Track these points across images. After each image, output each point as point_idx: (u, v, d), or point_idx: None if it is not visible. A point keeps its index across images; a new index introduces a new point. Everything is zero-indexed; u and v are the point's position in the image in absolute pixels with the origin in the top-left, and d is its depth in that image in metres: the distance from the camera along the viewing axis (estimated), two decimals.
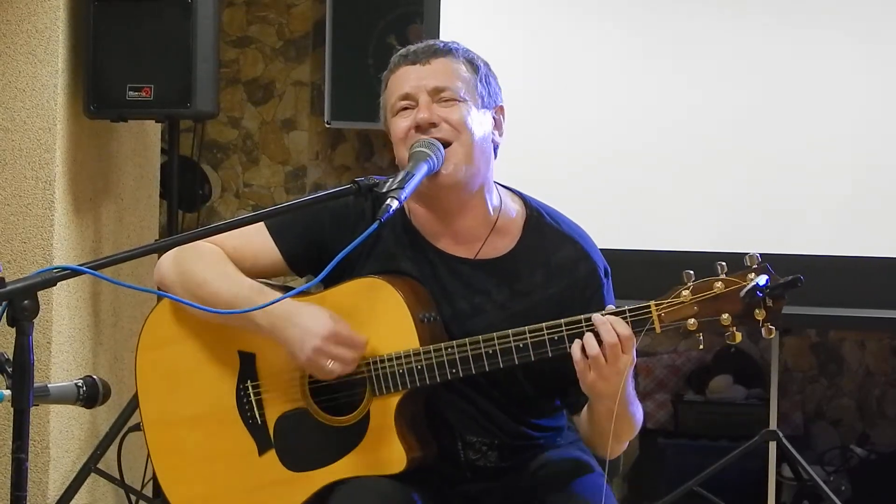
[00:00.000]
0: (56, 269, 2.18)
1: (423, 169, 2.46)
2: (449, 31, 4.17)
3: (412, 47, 2.64)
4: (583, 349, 2.38)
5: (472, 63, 2.62)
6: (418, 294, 2.56)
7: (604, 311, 2.41)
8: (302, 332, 2.49)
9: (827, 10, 4.08)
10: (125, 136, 4.36)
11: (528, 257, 2.61)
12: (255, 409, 2.62)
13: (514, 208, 2.66)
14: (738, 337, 2.37)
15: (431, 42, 2.64)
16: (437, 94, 2.56)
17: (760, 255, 2.40)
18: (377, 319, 2.53)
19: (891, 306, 4.00)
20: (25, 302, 2.10)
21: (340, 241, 2.50)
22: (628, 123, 4.17)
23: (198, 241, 2.60)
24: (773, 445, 4.11)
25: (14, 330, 2.12)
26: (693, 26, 4.14)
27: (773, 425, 4.11)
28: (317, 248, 2.62)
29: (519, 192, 2.71)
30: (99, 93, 4.03)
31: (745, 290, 2.34)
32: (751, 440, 4.10)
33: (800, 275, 2.33)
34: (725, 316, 2.36)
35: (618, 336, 2.36)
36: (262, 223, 2.63)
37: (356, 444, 2.54)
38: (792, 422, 5.27)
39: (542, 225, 2.64)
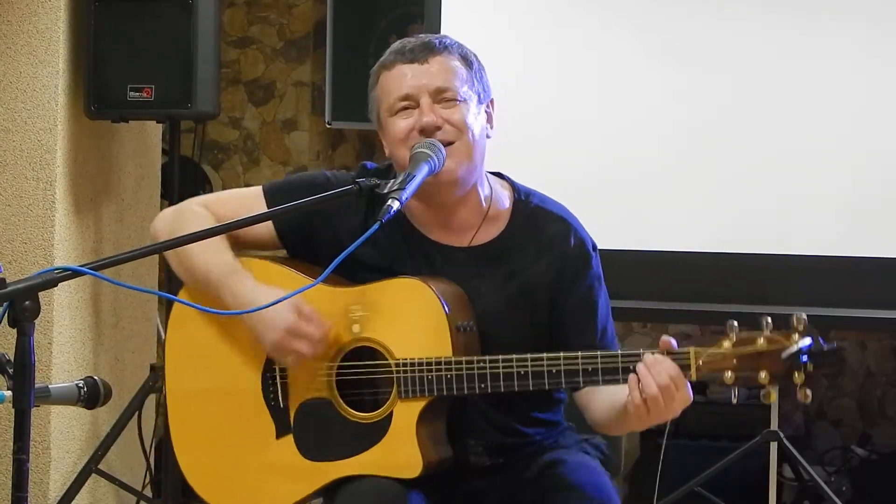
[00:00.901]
0: (57, 269, 2.17)
1: (425, 170, 2.47)
2: (450, 30, 4.16)
3: (407, 44, 2.62)
4: (639, 387, 2.37)
5: (467, 59, 2.63)
6: (459, 301, 2.56)
7: (652, 351, 2.40)
8: (264, 326, 2.54)
9: (827, 9, 4.07)
10: (126, 136, 4.36)
11: (517, 238, 2.63)
12: (279, 392, 2.62)
13: (505, 195, 2.68)
14: (774, 396, 2.36)
15: (425, 38, 2.63)
16: (438, 94, 2.56)
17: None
18: (414, 322, 2.53)
19: (891, 307, 4.00)
20: (27, 303, 2.10)
21: (329, 222, 2.62)
22: (629, 123, 4.16)
23: (195, 207, 2.68)
24: (773, 446, 4.10)
25: (15, 331, 2.12)
26: (693, 27, 4.14)
27: (773, 426, 4.10)
28: (308, 227, 2.66)
29: (507, 176, 2.72)
30: (100, 93, 4.03)
31: (789, 352, 2.31)
32: (752, 440, 4.09)
33: (838, 344, 2.36)
34: (763, 374, 2.34)
35: (669, 378, 2.36)
36: (260, 194, 2.67)
37: (374, 443, 2.54)
38: (793, 422, 5.27)
39: (529, 207, 2.67)
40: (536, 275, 2.61)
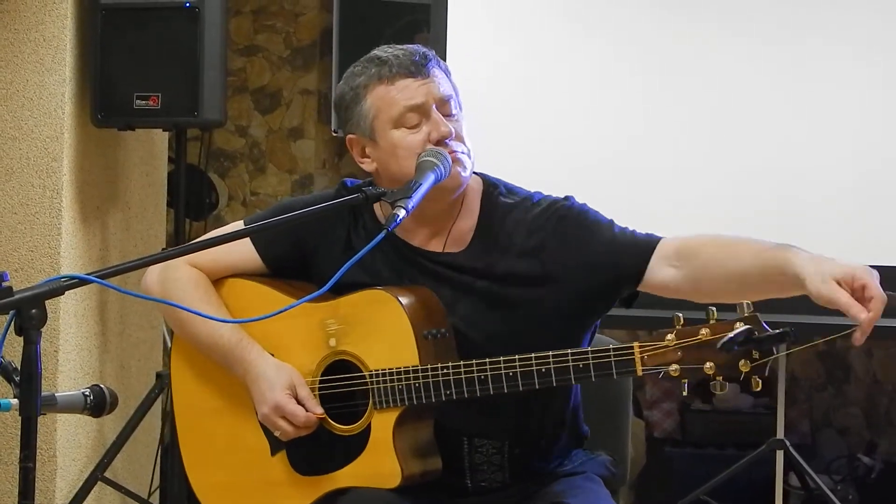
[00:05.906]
0: (64, 278, 2.17)
1: (431, 178, 2.46)
2: (455, 39, 4.18)
3: (398, 56, 2.57)
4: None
5: (448, 72, 2.62)
6: (428, 308, 2.55)
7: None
8: (258, 396, 2.60)
9: (832, 5, 4.08)
10: (132, 144, 4.37)
11: (489, 228, 2.60)
12: None
13: (475, 188, 2.65)
14: (725, 387, 2.27)
15: (411, 51, 2.58)
16: (444, 105, 2.56)
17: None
18: (380, 333, 2.54)
19: None
20: (33, 311, 2.11)
21: (317, 244, 2.63)
22: (629, 125, 4.17)
23: (180, 264, 2.66)
24: (780, 454, 4.10)
25: (22, 339, 2.12)
26: (693, 27, 4.14)
27: (780, 434, 4.10)
28: (295, 252, 2.66)
29: (479, 172, 2.68)
30: (106, 101, 4.04)
31: (722, 342, 2.23)
32: (758, 449, 4.08)
33: (790, 328, 2.23)
34: (709, 365, 2.27)
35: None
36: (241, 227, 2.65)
37: (358, 455, 2.54)
38: (799, 430, 5.27)
39: (496, 196, 2.63)
40: (524, 253, 2.56)
